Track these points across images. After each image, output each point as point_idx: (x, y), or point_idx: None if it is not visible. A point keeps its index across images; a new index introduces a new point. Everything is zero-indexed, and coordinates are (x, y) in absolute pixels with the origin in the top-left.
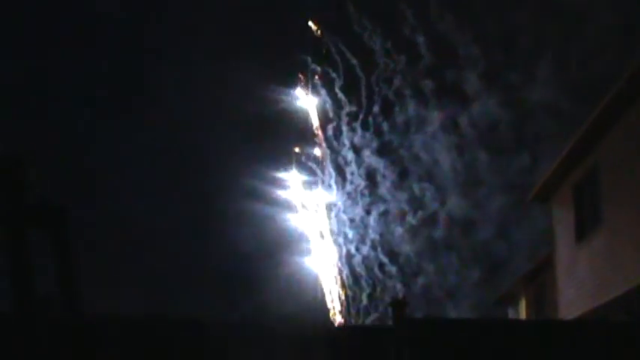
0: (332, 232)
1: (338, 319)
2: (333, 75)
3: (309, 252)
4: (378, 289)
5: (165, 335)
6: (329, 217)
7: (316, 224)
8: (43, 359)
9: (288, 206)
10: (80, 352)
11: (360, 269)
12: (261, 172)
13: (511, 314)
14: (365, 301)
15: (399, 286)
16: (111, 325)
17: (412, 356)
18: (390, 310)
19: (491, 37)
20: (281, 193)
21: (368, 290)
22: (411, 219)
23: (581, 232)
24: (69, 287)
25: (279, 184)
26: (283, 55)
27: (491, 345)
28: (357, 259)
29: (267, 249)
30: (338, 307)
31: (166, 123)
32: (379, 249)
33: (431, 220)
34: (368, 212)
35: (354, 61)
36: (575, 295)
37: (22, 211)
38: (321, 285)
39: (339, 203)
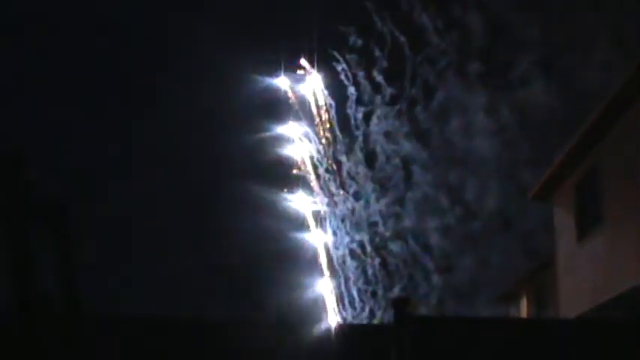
0: (351, 220)
1: (340, 318)
2: (378, 54)
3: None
4: (411, 282)
5: (164, 335)
6: (348, 206)
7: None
8: (43, 357)
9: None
10: (79, 350)
11: (393, 261)
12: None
13: (512, 313)
14: (397, 293)
15: (435, 279)
16: (110, 324)
17: (413, 355)
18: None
19: (551, 18)
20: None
21: (401, 284)
22: (447, 208)
23: (582, 231)
24: (69, 285)
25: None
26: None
27: (492, 343)
28: (389, 250)
29: (271, 245)
30: (338, 305)
31: (169, 122)
32: (412, 240)
33: (469, 212)
34: (400, 202)
35: (403, 39)
36: (575, 293)
37: (24, 209)
38: (324, 283)
39: (369, 191)
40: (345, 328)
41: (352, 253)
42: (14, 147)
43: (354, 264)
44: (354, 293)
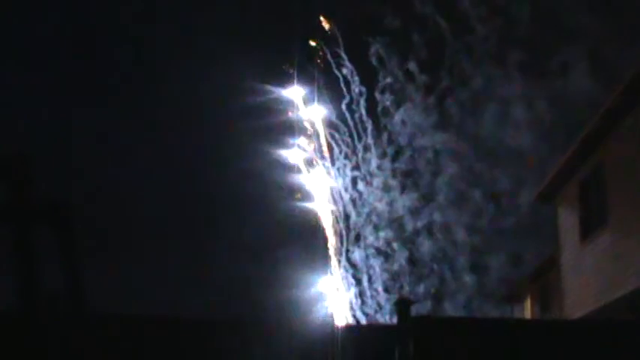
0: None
1: (345, 317)
2: (415, 38)
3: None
4: (439, 279)
5: (166, 335)
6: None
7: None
8: (47, 356)
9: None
10: (82, 349)
11: (420, 258)
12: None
13: (516, 313)
14: (422, 290)
15: (465, 277)
16: (112, 323)
17: (417, 355)
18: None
19: (599, 6)
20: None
21: (428, 281)
22: (478, 203)
23: (587, 231)
24: (73, 285)
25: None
26: None
27: (496, 344)
28: (417, 246)
29: (279, 243)
30: (346, 305)
31: (173, 121)
32: (441, 237)
33: (502, 207)
34: (428, 196)
35: (443, 24)
36: (580, 294)
37: (27, 209)
38: (332, 280)
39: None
40: (348, 328)
41: (377, 249)
42: (19, 147)
43: (379, 260)
44: (379, 290)
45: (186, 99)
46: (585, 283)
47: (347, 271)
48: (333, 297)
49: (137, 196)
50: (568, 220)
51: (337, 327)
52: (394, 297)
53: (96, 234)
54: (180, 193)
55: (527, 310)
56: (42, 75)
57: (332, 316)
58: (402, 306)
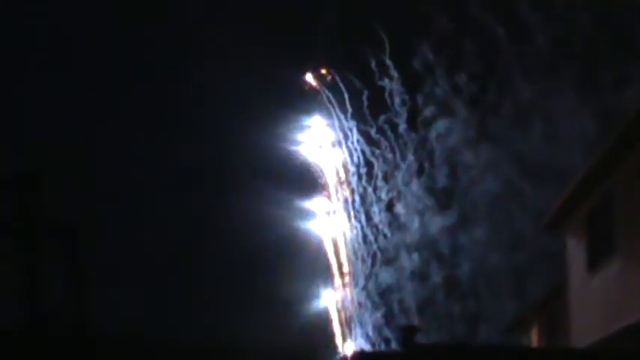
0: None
1: (353, 343)
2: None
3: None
4: (478, 302)
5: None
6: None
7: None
8: None
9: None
10: None
11: (458, 280)
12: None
13: (522, 341)
14: (458, 313)
15: (508, 305)
16: (113, 342)
17: None
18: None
19: None
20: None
21: (462, 304)
22: (521, 226)
23: (595, 260)
24: (76, 306)
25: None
26: None
27: None
28: (453, 269)
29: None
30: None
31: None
32: (479, 260)
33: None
34: (466, 217)
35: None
36: (587, 323)
37: (35, 230)
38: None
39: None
40: (354, 355)
41: (412, 271)
42: (29, 168)
43: (412, 282)
44: (410, 310)
45: (205, 118)
46: (592, 312)
47: (370, 294)
48: (341, 322)
49: (141, 219)
50: (576, 249)
51: (343, 354)
52: (424, 318)
53: (101, 256)
54: (183, 214)
55: (533, 338)
56: (54, 92)
57: (337, 343)
58: (406, 333)
